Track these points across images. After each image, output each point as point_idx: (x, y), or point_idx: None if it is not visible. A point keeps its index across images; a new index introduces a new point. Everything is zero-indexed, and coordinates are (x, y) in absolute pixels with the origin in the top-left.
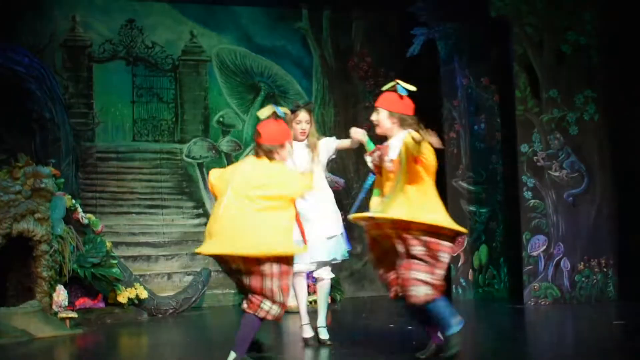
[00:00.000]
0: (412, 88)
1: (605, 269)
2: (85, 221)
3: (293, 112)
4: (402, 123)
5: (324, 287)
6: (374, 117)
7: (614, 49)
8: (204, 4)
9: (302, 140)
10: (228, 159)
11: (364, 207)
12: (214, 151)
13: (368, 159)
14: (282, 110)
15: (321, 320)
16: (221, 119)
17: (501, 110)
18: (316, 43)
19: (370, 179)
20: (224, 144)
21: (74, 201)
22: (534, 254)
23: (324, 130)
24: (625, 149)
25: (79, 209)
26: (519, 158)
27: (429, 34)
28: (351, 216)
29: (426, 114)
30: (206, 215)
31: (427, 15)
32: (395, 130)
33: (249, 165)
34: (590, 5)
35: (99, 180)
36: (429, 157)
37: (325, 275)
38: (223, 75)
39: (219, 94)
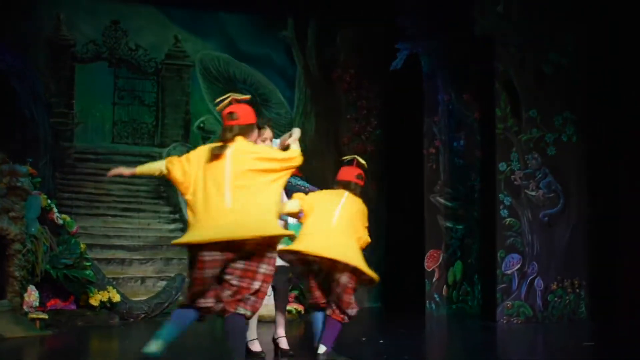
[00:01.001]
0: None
1: (577, 290)
2: (60, 222)
3: (259, 129)
4: None
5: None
6: None
7: (595, 71)
8: (190, 9)
9: None
10: None
11: None
12: None
13: None
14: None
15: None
16: (202, 125)
17: (481, 128)
18: (300, 53)
19: None
20: None
21: (49, 201)
22: (508, 272)
23: (305, 139)
24: (602, 171)
25: (55, 209)
26: (496, 176)
27: (413, 48)
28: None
29: (407, 128)
30: (182, 220)
31: (412, 29)
32: None
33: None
34: (573, 27)
35: (76, 181)
36: None
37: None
38: (206, 81)
39: (201, 99)
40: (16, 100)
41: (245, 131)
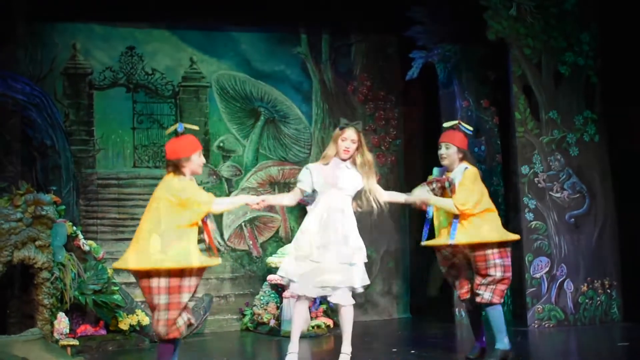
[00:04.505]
0: (471, 128)
1: (609, 290)
2: (87, 248)
3: (341, 129)
4: (464, 157)
5: (344, 314)
6: (443, 151)
7: (612, 70)
8: (203, 31)
9: (345, 159)
10: (229, 183)
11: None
12: (214, 176)
13: (425, 189)
14: (183, 125)
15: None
16: (221, 144)
17: (501, 132)
18: (315, 67)
19: (430, 210)
20: (225, 169)
21: (74, 228)
22: (537, 275)
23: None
24: (625, 168)
25: (80, 236)
26: (519, 180)
27: (428, 57)
28: (424, 243)
29: (426, 137)
30: (204, 241)
31: (425, 39)
32: (456, 164)
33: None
34: (587, 26)
35: (99, 206)
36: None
37: (344, 302)
38: (223, 101)
39: (219, 119)
40: (36, 130)
41: (171, 166)
